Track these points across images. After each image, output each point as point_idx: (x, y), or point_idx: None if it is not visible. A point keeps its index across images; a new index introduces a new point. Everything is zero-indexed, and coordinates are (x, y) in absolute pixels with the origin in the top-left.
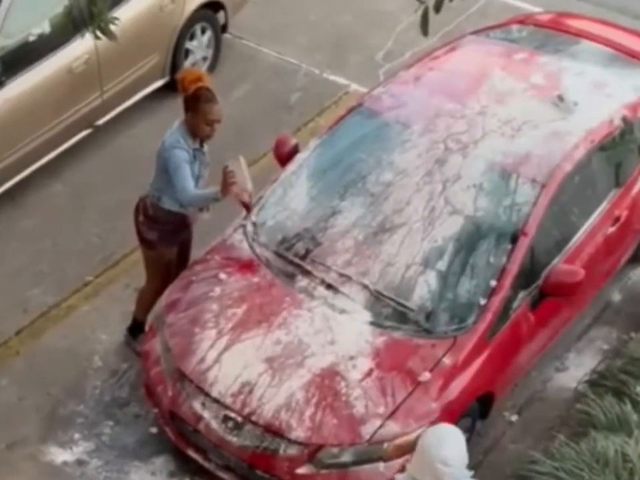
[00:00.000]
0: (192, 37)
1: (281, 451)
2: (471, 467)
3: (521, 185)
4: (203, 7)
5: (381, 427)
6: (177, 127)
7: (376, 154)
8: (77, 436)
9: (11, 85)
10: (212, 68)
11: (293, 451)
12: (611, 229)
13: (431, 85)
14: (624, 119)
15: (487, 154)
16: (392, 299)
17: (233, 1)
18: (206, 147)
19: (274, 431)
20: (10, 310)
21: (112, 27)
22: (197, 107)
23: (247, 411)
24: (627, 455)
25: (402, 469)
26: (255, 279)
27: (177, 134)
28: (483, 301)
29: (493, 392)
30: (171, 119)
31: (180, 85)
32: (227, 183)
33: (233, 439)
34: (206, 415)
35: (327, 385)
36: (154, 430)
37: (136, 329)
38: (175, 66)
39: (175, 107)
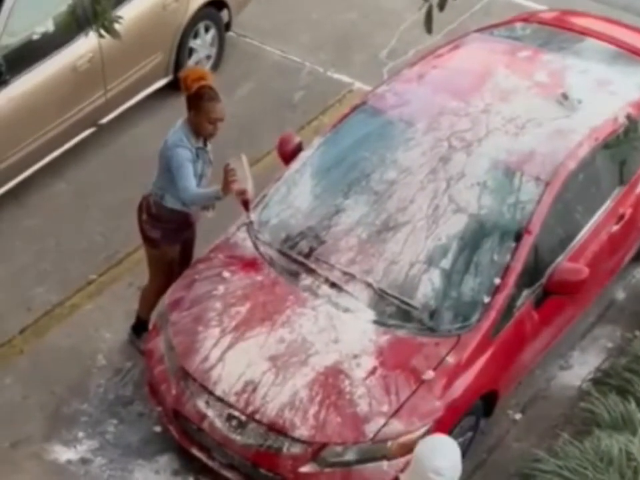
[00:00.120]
0: (195, 36)
1: (285, 450)
2: (474, 465)
3: (524, 183)
4: (207, 5)
5: (384, 425)
6: (180, 126)
7: (380, 152)
8: (80, 434)
9: (15, 84)
10: (215, 66)
11: (296, 449)
12: (615, 227)
13: (435, 83)
14: (628, 117)
15: (491, 152)
16: (396, 297)
17: (237, 0)
18: (209, 146)
19: (277, 430)
20: (14, 309)
21: (116, 26)
22: (200, 106)
23: (250, 409)
24: (631, 454)
25: (405, 468)
26: (259, 278)
27: (179, 132)
28: (486, 299)
29: (497, 390)
30: (174, 117)
31: (183, 84)
32: (227, 181)
33: (237, 438)
34: (210, 413)
35: (331, 383)
36: (158, 428)
37: (139, 328)
38: (178, 64)
39: (178, 106)
